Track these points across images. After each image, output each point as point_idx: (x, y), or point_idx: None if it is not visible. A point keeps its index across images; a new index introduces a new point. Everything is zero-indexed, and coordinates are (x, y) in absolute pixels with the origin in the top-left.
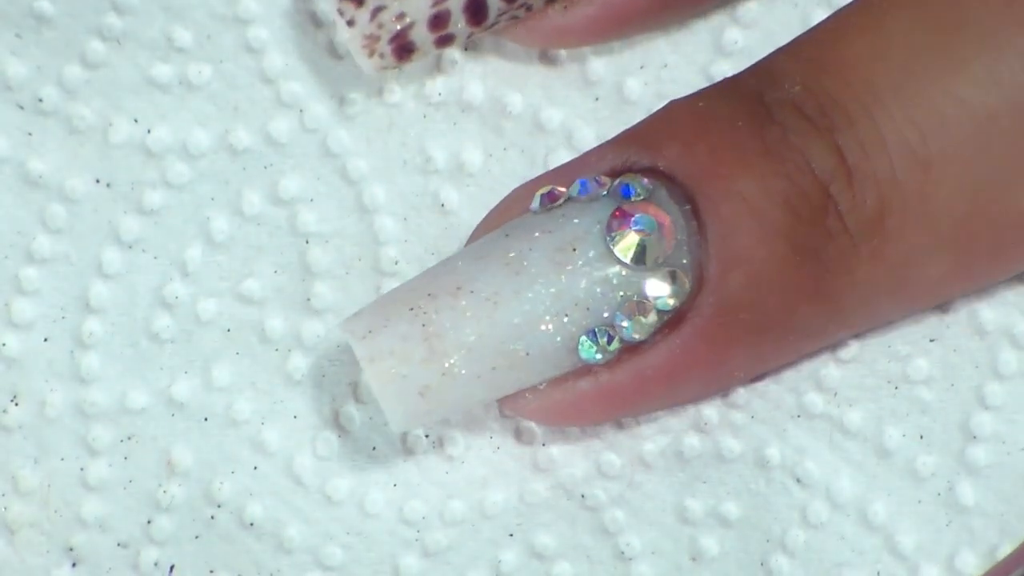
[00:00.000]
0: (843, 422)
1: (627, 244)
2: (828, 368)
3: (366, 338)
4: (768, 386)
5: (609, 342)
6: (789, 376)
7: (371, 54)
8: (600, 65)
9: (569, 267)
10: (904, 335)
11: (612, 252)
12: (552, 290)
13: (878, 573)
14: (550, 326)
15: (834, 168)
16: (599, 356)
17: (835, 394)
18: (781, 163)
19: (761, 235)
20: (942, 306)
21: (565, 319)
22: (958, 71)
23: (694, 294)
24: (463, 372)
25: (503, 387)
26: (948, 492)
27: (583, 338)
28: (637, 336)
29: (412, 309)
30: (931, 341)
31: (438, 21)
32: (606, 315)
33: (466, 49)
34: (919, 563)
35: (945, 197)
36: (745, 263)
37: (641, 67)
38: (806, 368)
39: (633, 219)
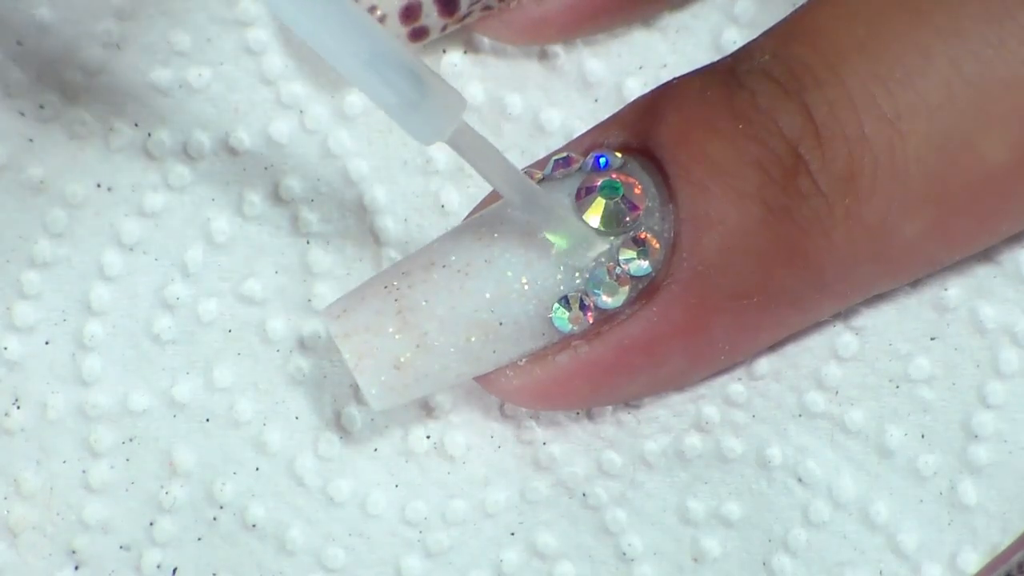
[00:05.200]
0: (844, 421)
1: (595, 210)
2: (829, 367)
3: (340, 317)
4: (769, 385)
5: (583, 309)
6: (790, 375)
7: None
8: (599, 66)
9: (539, 235)
10: (905, 334)
11: (582, 219)
12: (523, 260)
13: (880, 572)
14: (523, 295)
15: (802, 127)
16: (573, 326)
17: (836, 393)
18: (749, 125)
19: (733, 196)
20: (942, 304)
21: (536, 286)
22: (921, 23)
23: (668, 261)
24: (437, 344)
25: (481, 360)
26: (950, 491)
27: (556, 306)
28: (610, 301)
29: (386, 287)
30: (932, 339)
31: (409, 13)
32: (579, 282)
33: (465, 52)
34: (921, 562)
35: (914, 150)
36: (718, 225)
37: (640, 68)
38: (807, 367)
39: (600, 184)
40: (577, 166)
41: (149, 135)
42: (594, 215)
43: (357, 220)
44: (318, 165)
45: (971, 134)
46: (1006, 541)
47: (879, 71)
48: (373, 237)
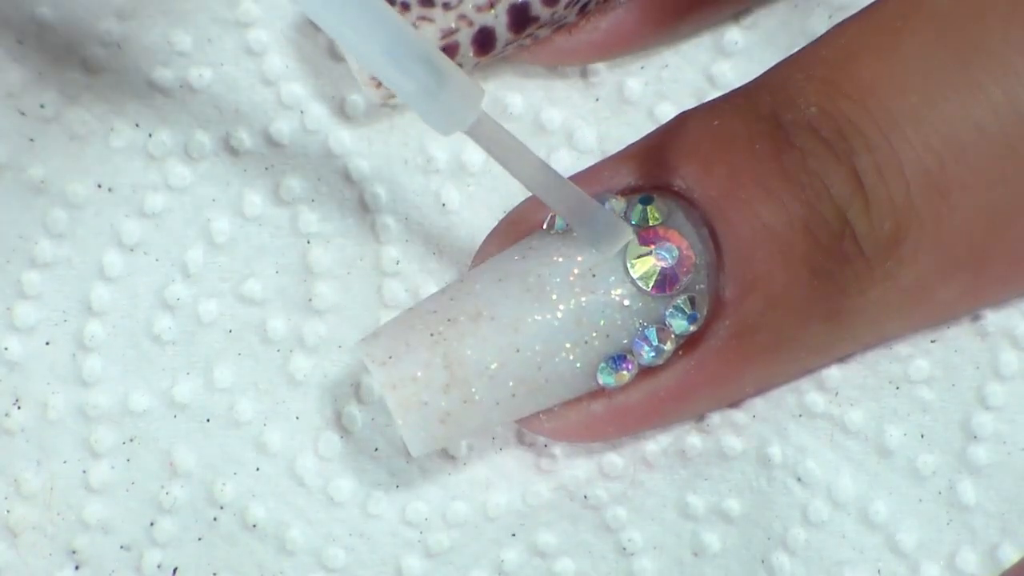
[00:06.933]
0: (844, 421)
1: (647, 272)
2: (829, 368)
3: (386, 364)
4: None
5: (627, 369)
6: None
7: (379, 85)
8: (601, 66)
9: (590, 293)
10: (905, 336)
11: (632, 278)
12: (573, 317)
13: (879, 571)
14: (571, 354)
15: (852, 194)
16: (618, 382)
17: (836, 394)
18: (801, 188)
19: (781, 260)
20: None
21: (585, 346)
22: (976, 97)
23: (710, 317)
24: (484, 399)
25: (520, 411)
26: (949, 491)
27: (603, 365)
28: (657, 363)
29: (432, 335)
30: (932, 342)
31: (446, 53)
32: (625, 342)
33: None
34: (920, 561)
35: (961, 223)
36: (764, 287)
37: (641, 68)
38: None
39: (654, 247)
40: (621, 213)
41: (150, 135)
42: (647, 277)
43: (357, 220)
44: (318, 165)
45: (1018, 209)
46: (1005, 541)
47: (932, 142)
48: (374, 236)
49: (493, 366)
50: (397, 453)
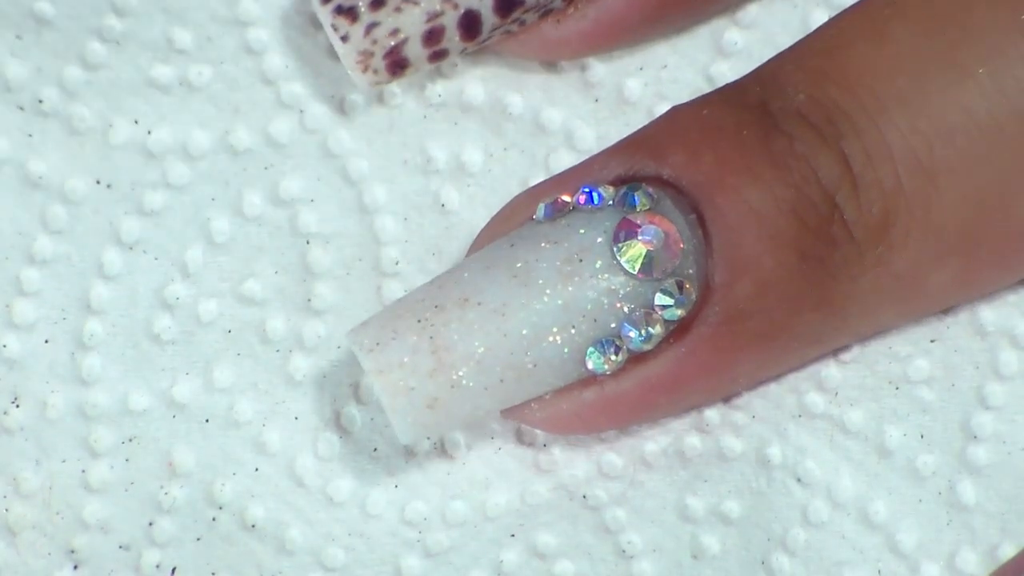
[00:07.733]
0: (844, 422)
1: (634, 255)
2: (829, 369)
3: (374, 351)
4: (769, 386)
5: (616, 353)
6: (790, 376)
7: (365, 69)
8: (600, 66)
9: (576, 278)
10: (905, 336)
11: (619, 263)
12: (559, 302)
13: (879, 572)
14: (558, 338)
15: (840, 177)
16: (607, 367)
17: (836, 394)
18: (788, 173)
19: (769, 244)
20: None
21: (572, 331)
22: (964, 81)
23: (700, 303)
24: (471, 384)
25: (510, 398)
26: (949, 491)
27: (591, 349)
28: (645, 347)
29: (420, 321)
30: (932, 342)
31: (432, 37)
32: (613, 326)
33: (465, 51)
34: (920, 562)
35: (950, 206)
36: (753, 272)
37: (641, 68)
38: (807, 369)
39: (640, 230)
40: (610, 200)
41: (149, 132)
42: (633, 260)
43: (357, 220)
44: (318, 165)
45: (1010, 193)
46: (1005, 541)
47: (920, 125)
48: (373, 237)
49: (480, 351)
50: (396, 453)
